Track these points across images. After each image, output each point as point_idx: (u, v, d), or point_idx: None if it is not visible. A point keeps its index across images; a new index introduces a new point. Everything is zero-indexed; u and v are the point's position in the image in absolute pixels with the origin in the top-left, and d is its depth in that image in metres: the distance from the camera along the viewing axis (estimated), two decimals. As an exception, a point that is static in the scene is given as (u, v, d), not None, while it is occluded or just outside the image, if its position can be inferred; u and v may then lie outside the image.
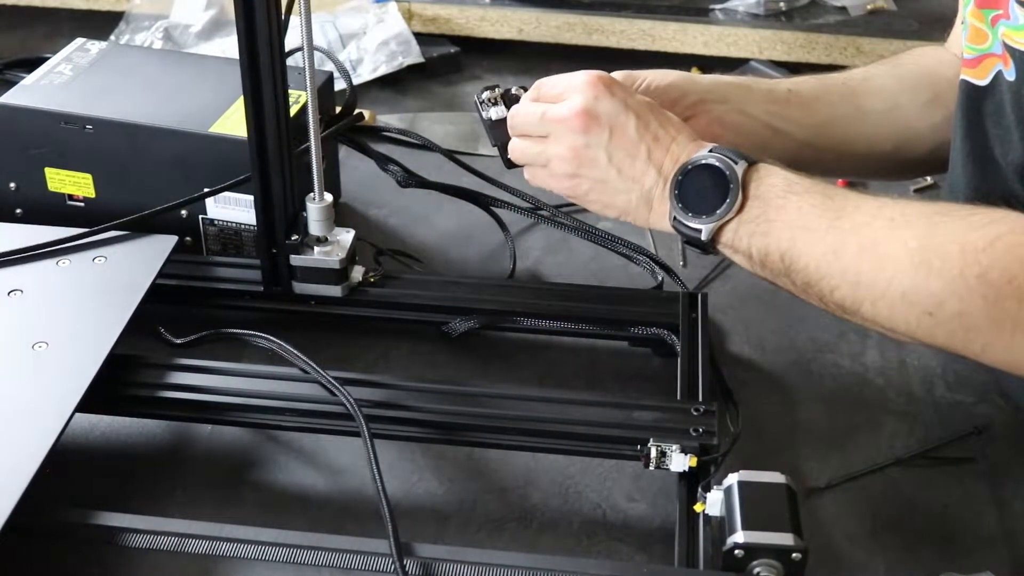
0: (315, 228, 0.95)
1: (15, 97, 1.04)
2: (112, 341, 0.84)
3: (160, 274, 0.92)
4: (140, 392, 0.86)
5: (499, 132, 0.91)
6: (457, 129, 1.30)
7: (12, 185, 1.05)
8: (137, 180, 1.02)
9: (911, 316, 0.73)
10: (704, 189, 0.81)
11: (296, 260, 0.96)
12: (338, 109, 1.13)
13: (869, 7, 1.49)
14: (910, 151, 0.98)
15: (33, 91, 1.04)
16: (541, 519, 0.83)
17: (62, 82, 1.06)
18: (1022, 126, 0.80)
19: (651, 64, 0.95)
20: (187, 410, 0.86)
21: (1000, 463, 0.88)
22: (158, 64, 1.13)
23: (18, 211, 1.06)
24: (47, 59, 1.10)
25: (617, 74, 0.89)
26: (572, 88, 0.85)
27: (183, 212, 1.02)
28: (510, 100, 0.91)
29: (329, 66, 1.15)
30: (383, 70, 1.40)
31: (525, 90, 0.91)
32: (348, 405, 0.82)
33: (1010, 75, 0.80)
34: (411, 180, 1.14)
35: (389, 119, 1.31)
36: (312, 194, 0.94)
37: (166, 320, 0.97)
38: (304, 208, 0.95)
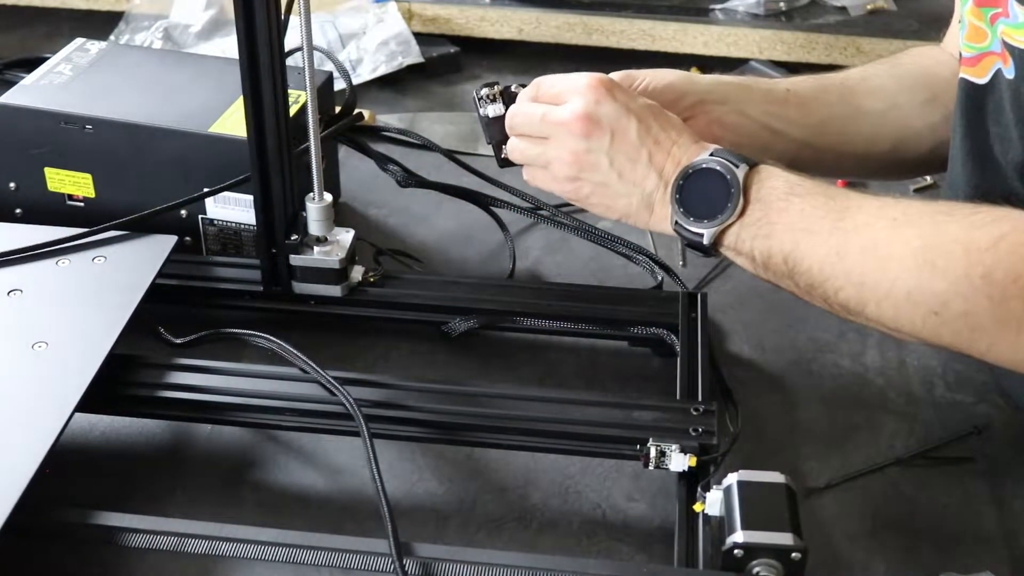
0: (315, 228, 0.95)
1: (15, 97, 1.04)
2: (112, 341, 0.84)
3: (160, 274, 0.92)
4: (140, 392, 0.86)
5: (495, 130, 0.91)
6: (457, 129, 1.30)
7: (12, 185, 1.05)
8: (137, 180, 1.02)
9: (916, 316, 0.73)
10: (705, 193, 0.81)
11: (296, 260, 0.96)
12: (338, 109, 1.13)
13: (869, 7, 1.49)
14: (909, 151, 0.98)
15: (33, 91, 1.05)
16: (541, 519, 0.83)
17: (62, 82, 1.06)
18: (1022, 124, 0.80)
19: (651, 64, 0.95)
20: (187, 410, 0.86)
21: (1000, 463, 0.88)
22: (158, 64, 1.13)
23: (18, 211, 1.06)
24: (47, 59, 1.10)
25: (616, 74, 0.89)
26: (573, 90, 0.85)
27: (183, 212, 1.02)
28: (509, 98, 0.91)
29: (329, 66, 1.15)
30: (383, 70, 1.40)
31: (525, 88, 0.90)
32: (348, 405, 0.82)
33: (1009, 73, 0.80)
34: (411, 180, 1.14)
35: (389, 119, 1.31)
36: (312, 194, 0.94)
37: (166, 320, 0.97)
38: (304, 208, 0.95)
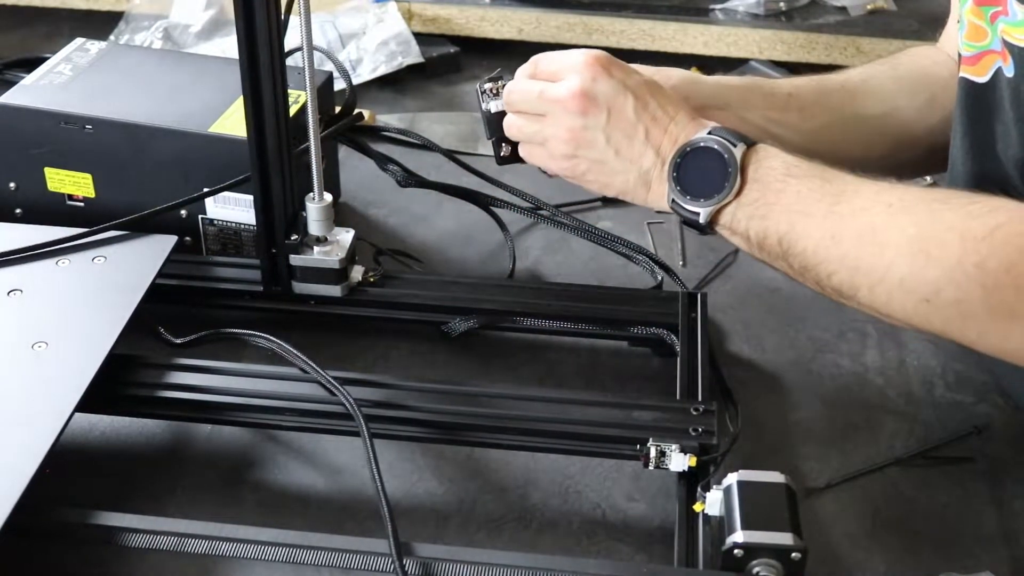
0: (315, 228, 0.95)
1: (15, 97, 1.04)
2: (112, 341, 0.84)
3: (160, 274, 0.92)
4: (140, 392, 0.86)
5: (496, 126, 0.91)
6: (457, 129, 1.30)
7: (12, 185, 1.05)
8: (137, 180, 1.02)
9: (908, 303, 0.73)
10: (702, 172, 0.81)
11: (296, 260, 0.96)
12: (338, 109, 1.13)
13: (869, 7, 1.49)
14: (908, 152, 0.98)
15: (33, 91, 1.04)
16: (541, 519, 0.83)
17: (62, 82, 1.06)
18: (1022, 122, 0.80)
19: (651, 64, 0.95)
20: (187, 410, 0.86)
21: (999, 463, 0.88)
22: (158, 64, 1.13)
23: (18, 211, 1.06)
24: (47, 59, 1.10)
25: None
26: (570, 68, 0.85)
27: (183, 212, 1.02)
28: None
29: (329, 66, 1.15)
30: (383, 70, 1.40)
31: None
32: (348, 405, 0.82)
33: (1009, 71, 0.80)
34: (411, 180, 1.14)
35: (389, 119, 1.31)
36: (312, 194, 0.94)
37: (166, 320, 0.97)
38: (304, 208, 0.95)
